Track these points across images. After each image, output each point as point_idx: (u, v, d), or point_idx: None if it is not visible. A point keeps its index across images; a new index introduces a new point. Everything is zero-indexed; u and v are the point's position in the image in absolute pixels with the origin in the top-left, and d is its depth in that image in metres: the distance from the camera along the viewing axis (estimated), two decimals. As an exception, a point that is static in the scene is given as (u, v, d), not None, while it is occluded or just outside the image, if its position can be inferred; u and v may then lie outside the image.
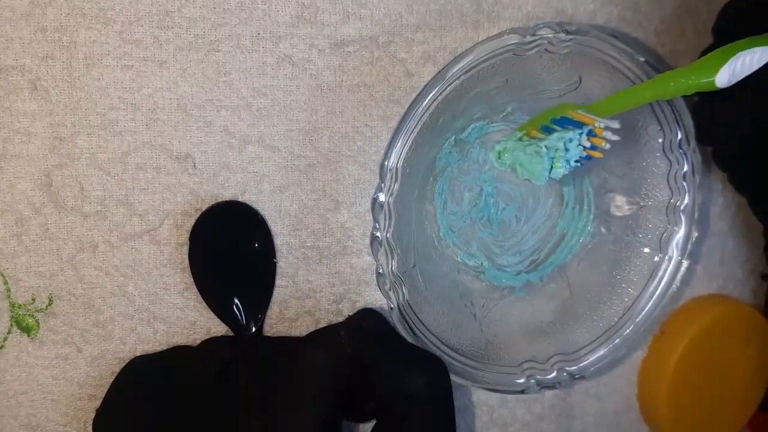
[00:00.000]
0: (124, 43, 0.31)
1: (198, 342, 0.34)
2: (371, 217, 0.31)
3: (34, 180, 0.31)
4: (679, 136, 0.33)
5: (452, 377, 0.32)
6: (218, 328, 0.34)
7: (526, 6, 0.35)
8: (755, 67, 0.26)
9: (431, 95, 0.30)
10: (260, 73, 0.33)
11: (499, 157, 0.36)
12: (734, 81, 0.26)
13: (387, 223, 0.31)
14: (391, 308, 0.31)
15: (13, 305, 0.31)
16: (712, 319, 0.41)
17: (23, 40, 0.30)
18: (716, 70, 0.26)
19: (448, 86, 0.30)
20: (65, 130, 0.31)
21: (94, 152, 0.31)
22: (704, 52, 0.30)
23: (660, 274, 0.35)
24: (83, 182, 0.31)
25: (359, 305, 0.36)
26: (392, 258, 0.31)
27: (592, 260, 0.37)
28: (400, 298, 0.31)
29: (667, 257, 0.34)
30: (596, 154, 0.31)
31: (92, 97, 0.31)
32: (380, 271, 0.31)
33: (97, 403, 0.32)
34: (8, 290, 0.31)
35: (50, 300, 0.32)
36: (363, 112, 0.34)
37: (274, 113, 0.33)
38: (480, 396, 0.39)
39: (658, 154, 0.34)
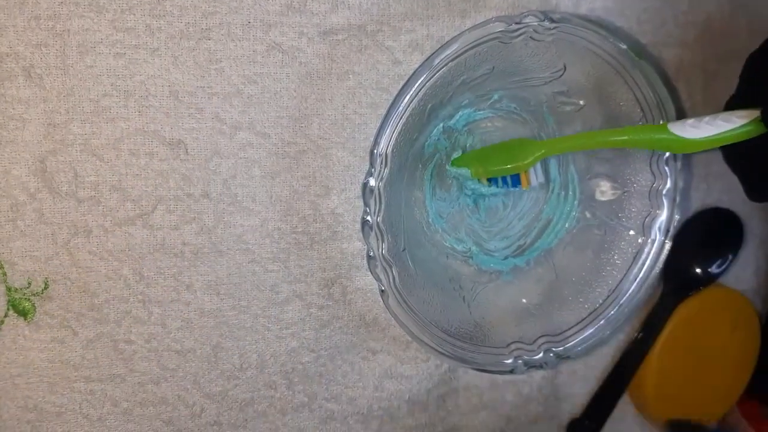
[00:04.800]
0: (116, 31, 0.32)
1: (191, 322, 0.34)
2: (361, 203, 0.32)
3: (28, 166, 0.31)
4: (661, 122, 0.34)
5: (443, 357, 0.33)
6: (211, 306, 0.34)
7: (512, -5, 0.36)
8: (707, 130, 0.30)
9: (419, 82, 0.31)
10: (251, 61, 0.33)
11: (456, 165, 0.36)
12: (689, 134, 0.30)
13: (377, 208, 0.31)
14: (382, 290, 0.32)
15: (9, 289, 0.32)
16: (698, 302, 0.41)
17: (17, 28, 0.30)
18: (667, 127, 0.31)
19: (435, 73, 0.31)
20: (59, 117, 0.31)
21: (88, 138, 0.32)
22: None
23: (643, 257, 0.35)
24: (77, 168, 0.32)
25: (350, 289, 0.36)
26: (382, 241, 0.32)
27: (578, 244, 0.37)
28: (391, 280, 0.32)
29: (650, 240, 0.35)
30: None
31: (85, 84, 0.32)
32: (371, 254, 0.32)
33: (93, 385, 0.33)
34: (4, 274, 0.32)
35: (46, 284, 0.32)
36: (352, 100, 0.35)
37: (264, 100, 0.34)
38: (470, 379, 0.39)
39: (641, 140, 0.34)
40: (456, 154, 0.36)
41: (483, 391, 0.40)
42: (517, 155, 0.34)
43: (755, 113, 0.30)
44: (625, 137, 0.32)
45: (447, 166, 0.36)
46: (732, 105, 0.34)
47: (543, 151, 0.34)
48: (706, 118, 0.30)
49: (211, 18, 0.32)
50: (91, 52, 0.31)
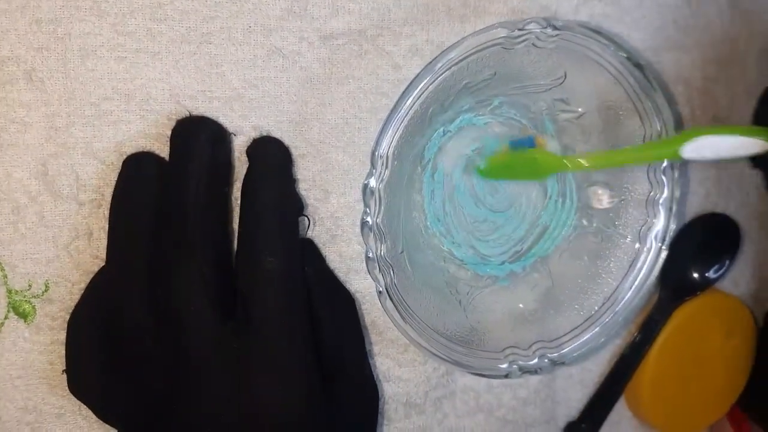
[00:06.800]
0: (117, 34, 0.32)
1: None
2: (360, 206, 0.32)
3: (30, 169, 0.32)
4: (659, 130, 0.34)
5: (439, 360, 0.33)
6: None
7: (512, 1, 0.36)
8: (721, 152, 0.31)
9: (422, 85, 0.31)
10: (251, 65, 0.33)
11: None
12: (701, 157, 0.32)
13: (377, 209, 0.31)
14: (380, 292, 0.32)
15: (9, 291, 0.32)
16: (695, 307, 0.42)
17: (18, 32, 0.31)
18: (678, 147, 0.31)
19: (438, 77, 0.31)
20: (60, 120, 0.32)
21: (89, 141, 0.32)
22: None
23: (639, 265, 0.35)
24: (78, 171, 0.32)
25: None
26: (381, 243, 0.32)
27: (574, 251, 0.38)
28: (388, 282, 0.32)
29: (646, 248, 0.35)
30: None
31: (86, 88, 0.32)
32: (370, 255, 0.32)
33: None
34: (5, 277, 0.32)
35: (46, 286, 0.32)
36: (352, 104, 0.35)
37: (264, 104, 0.34)
38: (466, 382, 0.40)
39: (639, 149, 0.35)
40: (481, 164, 0.37)
41: (480, 394, 0.40)
42: (537, 170, 0.36)
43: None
44: (639, 154, 0.34)
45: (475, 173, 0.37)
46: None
47: (566, 167, 0.35)
48: (719, 139, 0.31)
49: (212, 22, 0.32)
50: (92, 56, 0.32)
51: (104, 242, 0.32)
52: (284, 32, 0.33)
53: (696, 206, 0.42)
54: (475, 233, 0.38)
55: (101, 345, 0.31)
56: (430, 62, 0.31)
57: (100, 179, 0.32)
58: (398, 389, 0.38)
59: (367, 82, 0.35)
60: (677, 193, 0.35)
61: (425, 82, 0.31)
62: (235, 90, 0.33)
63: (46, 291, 0.32)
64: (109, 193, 0.32)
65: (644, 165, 0.35)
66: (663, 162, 0.34)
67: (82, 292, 0.32)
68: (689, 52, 0.40)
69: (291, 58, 0.34)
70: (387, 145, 0.31)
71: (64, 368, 0.32)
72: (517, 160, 0.36)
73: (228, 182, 0.33)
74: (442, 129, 0.36)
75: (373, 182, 0.31)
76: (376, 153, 0.31)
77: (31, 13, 0.31)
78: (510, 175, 0.37)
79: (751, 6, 0.41)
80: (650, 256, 0.35)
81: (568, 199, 0.38)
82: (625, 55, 0.32)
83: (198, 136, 0.31)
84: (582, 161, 0.35)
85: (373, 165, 0.31)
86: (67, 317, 0.32)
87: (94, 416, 0.32)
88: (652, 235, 0.35)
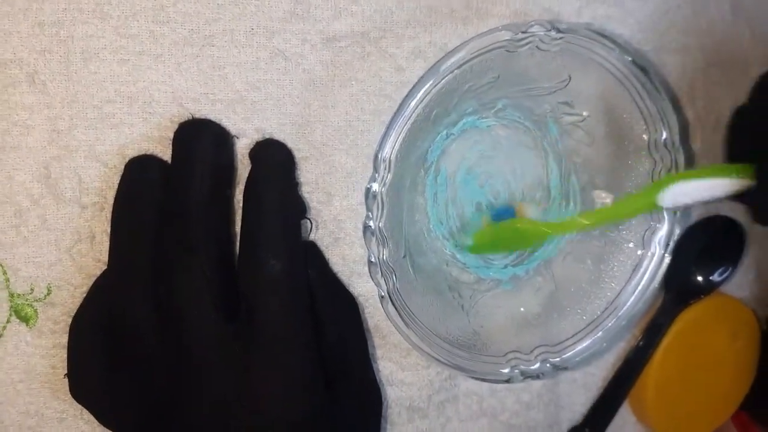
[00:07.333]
0: (120, 37, 0.32)
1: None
2: (363, 209, 0.32)
3: (32, 172, 0.32)
4: (664, 135, 0.33)
5: (441, 365, 0.33)
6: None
7: (515, 3, 0.36)
8: (698, 197, 0.31)
9: (426, 87, 0.30)
10: (254, 68, 0.33)
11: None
12: (679, 205, 0.32)
13: (379, 213, 0.31)
14: (382, 296, 0.32)
15: (12, 295, 0.32)
16: (700, 310, 0.41)
17: (21, 35, 0.31)
18: (655, 197, 0.32)
19: (442, 79, 0.31)
20: (63, 123, 0.32)
21: (92, 144, 0.32)
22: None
23: (642, 269, 0.35)
24: (81, 174, 0.32)
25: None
26: (384, 247, 0.32)
27: (577, 255, 0.37)
28: (391, 286, 0.32)
29: (649, 253, 0.35)
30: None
31: (89, 91, 0.32)
32: (372, 259, 0.32)
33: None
34: (7, 280, 0.32)
35: (49, 290, 0.32)
36: (355, 107, 0.35)
37: (267, 107, 0.34)
38: (469, 386, 0.39)
39: (643, 153, 0.34)
40: (468, 242, 0.37)
41: (483, 398, 0.40)
42: (521, 240, 0.37)
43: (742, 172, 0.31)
44: (618, 211, 0.35)
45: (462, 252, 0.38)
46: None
47: (549, 233, 0.36)
48: (694, 184, 0.31)
49: (214, 25, 0.32)
50: (95, 59, 0.31)
51: (107, 245, 0.32)
52: (287, 34, 0.33)
53: (700, 208, 0.42)
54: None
55: (103, 349, 0.31)
56: (434, 65, 0.30)
57: (102, 182, 0.32)
58: (401, 393, 0.38)
59: (370, 85, 0.35)
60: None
61: (429, 84, 0.30)
62: (237, 92, 0.33)
63: (48, 294, 0.32)
64: (111, 196, 0.32)
65: (625, 221, 0.36)
66: (667, 166, 0.34)
67: (85, 295, 0.32)
68: (692, 55, 0.40)
69: (294, 61, 0.34)
70: (390, 149, 0.31)
71: (66, 372, 0.31)
72: (500, 233, 0.37)
73: (230, 185, 0.33)
74: (445, 132, 0.36)
75: (375, 186, 0.31)
76: (379, 156, 0.31)
77: (34, 15, 0.31)
78: (497, 248, 0.38)
79: (754, 9, 0.41)
80: (653, 261, 0.35)
81: (571, 202, 0.38)
82: (630, 58, 0.32)
83: (201, 138, 0.31)
84: (562, 225, 0.36)
85: (375, 169, 0.31)
86: (69, 321, 0.32)
87: (95, 421, 0.32)
88: (656, 240, 0.35)
